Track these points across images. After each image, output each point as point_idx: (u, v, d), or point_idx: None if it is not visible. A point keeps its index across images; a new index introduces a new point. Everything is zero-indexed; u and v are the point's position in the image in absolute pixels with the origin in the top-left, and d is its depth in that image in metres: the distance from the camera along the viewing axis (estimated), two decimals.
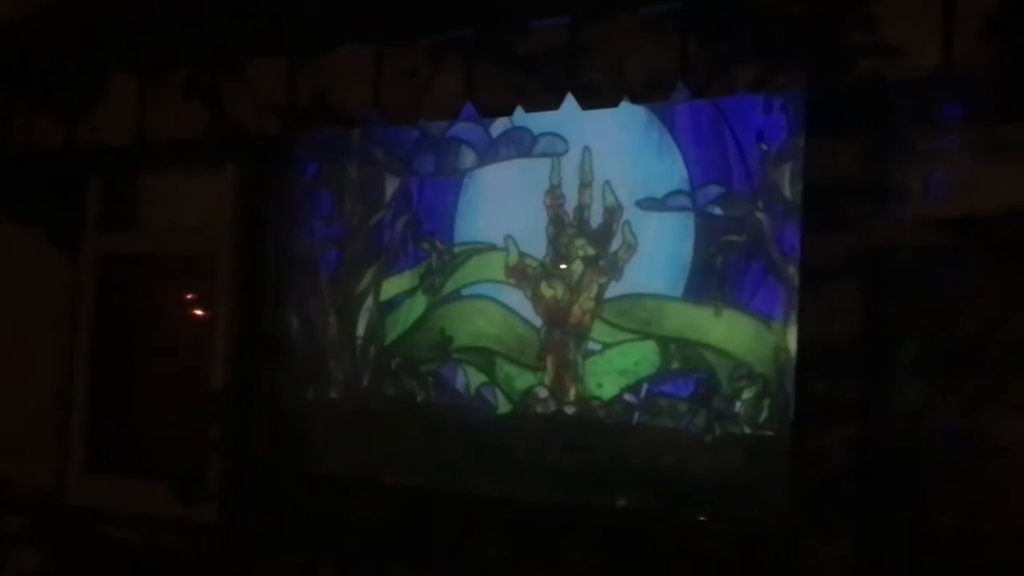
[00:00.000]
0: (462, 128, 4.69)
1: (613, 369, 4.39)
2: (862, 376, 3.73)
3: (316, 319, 5.07)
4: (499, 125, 4.63)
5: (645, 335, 4.34)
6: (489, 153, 4.69)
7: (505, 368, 4.63)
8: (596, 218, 4.47)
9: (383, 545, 4.58)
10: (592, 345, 4.45)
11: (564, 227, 4.54)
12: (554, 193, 4.55)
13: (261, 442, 5.06)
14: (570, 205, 4.52)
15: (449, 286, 4.77)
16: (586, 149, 4.48)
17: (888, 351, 3.74)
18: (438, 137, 4.77)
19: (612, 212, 4.44)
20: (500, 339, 4.64)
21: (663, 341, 4.30)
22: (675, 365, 4.28)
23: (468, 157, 4.73)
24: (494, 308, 4.67)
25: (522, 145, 4.61)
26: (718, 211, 4.22)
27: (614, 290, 4.43)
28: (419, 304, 4.83)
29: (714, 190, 4.23)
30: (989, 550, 3.56)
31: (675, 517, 4.13)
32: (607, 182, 4.45)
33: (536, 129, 4.55)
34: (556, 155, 4.54)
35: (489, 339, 4.66)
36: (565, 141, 4.52)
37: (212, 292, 5.19)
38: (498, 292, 4.66)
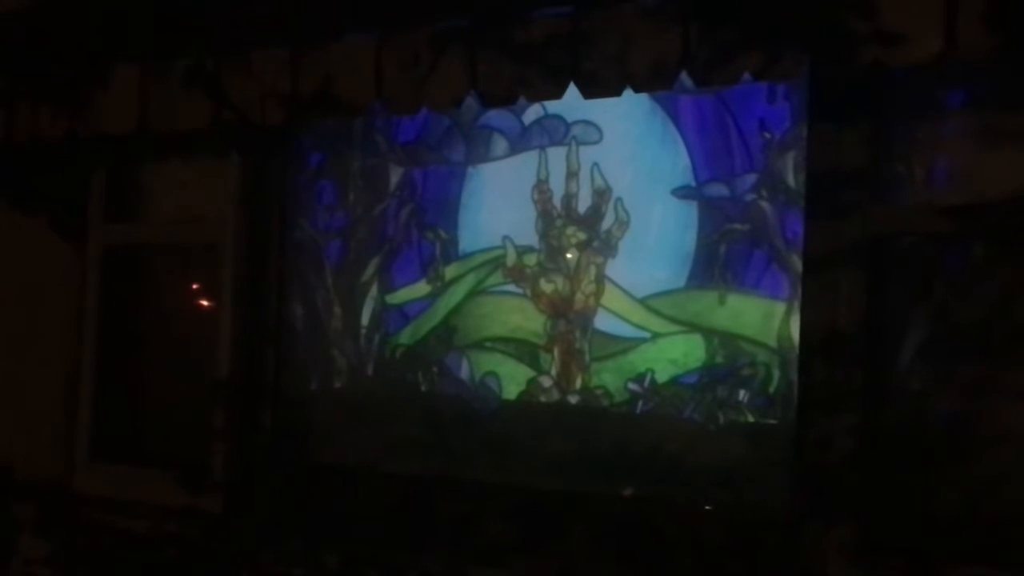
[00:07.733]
0: (493, 116, 4.61)
1: (664, 357, 4.34)
2: (865, 363, 3.74)
3: (320, 308, 5.07)
4: (531, 113, 4.56)
5: (693, 327, 4.27)
6: (521, 141, 4.61)
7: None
8: (584, 203, 4.44)
9: (387, 533, 4.58)
10: (643, 334, 4.38)
11: (552, 219, 4.52)
12: (541, 187, 4.53)
13: (266, 431, 5.07)
14: (558, 197, 4.49)
15: (479, 287, 4.72)
16: (572, 139, 4.46)
17: (891, 338, 3.74)
18: (469, 125, 4.70)
19: (601, 194, 4.42)
20: (537, 332, 4.59)
21: (707, 333, 4.23)
22: (717, 355, 4.21)
23: (500, 145, 4.67)
24: (527, 304, 4.62)
25: (555, 133, 4.54)
26: (751, 198, 4.17)
27: (657, 285, 4.36)
28: (439, 308, 4.80)
29: (752, 179, 4.17)
30: (991, 537, 3.56)
31: (679, 504, 4.14)
32: (595, 164, 4.42)
33: (569, 117, 4.49)
34: (590, 143, 4.46)
35: (526, 332, 4.61)
36: (599, 129, 4.47)
37: (216, 281, 5.19)
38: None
